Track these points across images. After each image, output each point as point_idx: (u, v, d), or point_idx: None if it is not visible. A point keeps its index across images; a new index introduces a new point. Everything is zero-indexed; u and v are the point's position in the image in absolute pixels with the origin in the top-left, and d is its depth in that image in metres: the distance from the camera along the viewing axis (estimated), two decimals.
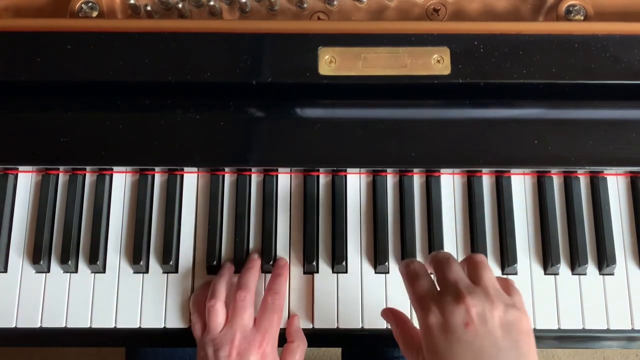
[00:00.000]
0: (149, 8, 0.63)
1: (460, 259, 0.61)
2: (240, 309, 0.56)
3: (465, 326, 0.43)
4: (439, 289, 0.47)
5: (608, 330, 0.60)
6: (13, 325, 0.60)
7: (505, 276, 0.61)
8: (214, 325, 0.56)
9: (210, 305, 0.56)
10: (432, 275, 0.49)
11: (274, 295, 0.58)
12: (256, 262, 0.60)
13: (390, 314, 0.55)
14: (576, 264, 0.61)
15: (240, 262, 0.61)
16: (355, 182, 0.63)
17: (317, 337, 0.60)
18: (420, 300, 0.46)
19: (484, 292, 0.45)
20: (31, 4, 0.64)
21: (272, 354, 0.55)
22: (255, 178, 0.63)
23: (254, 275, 0.59)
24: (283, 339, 0.59)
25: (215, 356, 0.54)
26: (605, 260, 0.61)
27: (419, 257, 0.61)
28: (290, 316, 0.60)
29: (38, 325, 0.60)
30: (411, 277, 0.49)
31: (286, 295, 0.60)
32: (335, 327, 0.60)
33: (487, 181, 0.63)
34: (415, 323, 0.49)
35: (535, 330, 0.60)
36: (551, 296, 0.60)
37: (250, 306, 0.57)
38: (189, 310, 0.60)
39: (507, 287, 0.47)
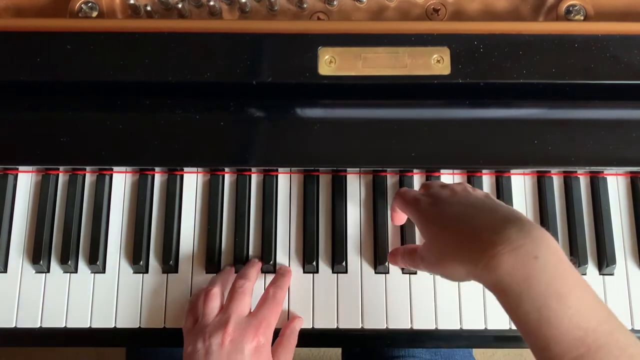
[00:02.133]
0: (149, 8, 0.63)
1: None
2: (239, 295, 0.55)
3: (452, 196, 0.50)
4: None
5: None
6: (13, 325, 0.60)
7: None
8: (209, 309, 0.55)
9: (208, 290, 0.56)
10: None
11: (276, 289, 0.57)
12: (257, 263, 0.60)
13: (394, 251, 0.58)
14: (576, 264, 0.61)
15: (240, 262, 0.61)
16: (355, 182, 0.63)
17: (317, 337, 0.60)
18: (412, 199, 0.53)
19: (461, 183, 0.53)
20: (31, 4, 0.64)
21: (266, 345, 0.54)
22: (255, 178, 0.63)
23: (255, 270, 0.59)
24: (275, 338, 0.58)
25: (206, 345, 0.52)
26: (605, 260, 0.61)
27: None
28: (294, 317, 0.60)
29: (38, 325, 0.60)
30: (402, 193, 0.55)
31: (286, 296, 0.60)
32: (335, 327, 0.60)
33: (487, 181, 0.63)
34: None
35: None
36: None
37: (249, 294, 0.56)
38: None
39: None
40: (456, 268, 0.46)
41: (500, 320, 0.60)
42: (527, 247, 0.42)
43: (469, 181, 0.63)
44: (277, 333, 0.58)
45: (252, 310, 0.56)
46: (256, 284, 0.59)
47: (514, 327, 0.60)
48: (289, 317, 0.60)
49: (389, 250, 0.61)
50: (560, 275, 0.41)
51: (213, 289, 0.56)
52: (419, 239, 0.62)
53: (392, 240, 0.62)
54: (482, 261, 0.43)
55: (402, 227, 0.62)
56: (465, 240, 0.45)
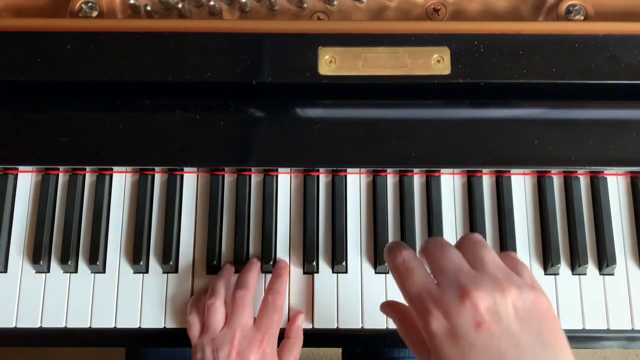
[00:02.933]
0: (149, 8, 0.63)
1: None
2: (240, 308, 0.56)
3: (476, 327, 0.36)
4: (435, 281, 0.39)
5: (608, 330, 0.60)
6: (13, 325, 0.60)
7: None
8: (213, 323, 0.55)
9: (210, 303, 0.56)
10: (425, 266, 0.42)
11: (274, 295, 0.58)
12: (256, 264, 0.60)
13: (389, 308, 0.48)
14: (576, 264, 0.61)
15: (240, 262, 0.61)
16: (355, 182, 0.63)
17: (317, 337, 0.60)
18: (416, 301, 0.38)
19: (490, 278, 0.37)
20: (31, 4, 0.64)
21: (271, 354, 0.55)
22: (255, 178, 0.63)
23: (253, 275, 0.59)
24: (281, 338, 0.59)
25: (214, 356, 0.54)
26: (605, 260, 0.61)
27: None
28: (294, 314, 0.60)
29: (38, 325, 0.60)
30: (401, 273, 0.40)
31: (286, 295, 0.60)
32: (335, 327, 0.60)
33: (487, 181, 0.63)
34: None
35: None
36: (551, 296, 0.60)
37: (250, 305, 0.57)
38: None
39: (513, 264, 0.40)
40: None
41: None
42: None
43: (469, 181, 0.63)
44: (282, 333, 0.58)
45: (255, 317, 0.57)
46: (257, 283, 0.59)
47: None
48: (289, 315, 0.60)
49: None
50: None
51: (215, 303, 0.56)
52: (419, 238, 0.62)
53: (393, 239, 0.62)
54: None
55: (402, 227, 0.62)
56: None
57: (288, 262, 0.61)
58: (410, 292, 0.39)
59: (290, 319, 0.59)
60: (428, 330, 0.37)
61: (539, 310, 0.37)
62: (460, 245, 0.41)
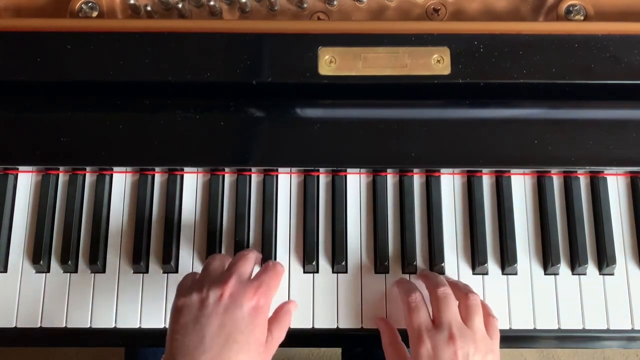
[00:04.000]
0: (149, 8, 0.63)
1: (460, 261, 0.61)
2: (242, 259, 0.54)
3: None
4: (434, 320, 0.53)
5: (608, 330, 0.60)
6: (13, 325, 0.60)
7: (505, 275, 0.61)
8: (211, 266, 0.53)
9: (212, 256, 0.55)
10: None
11: (275, 263, 0.56)
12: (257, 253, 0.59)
13: (383, 324, 0.58)
14: (576, 264, 0.61)
15: None
16: (355, 182, 0.63)
17: (317, 337, 0.60)
18: (416, 330, 0.52)
19: (472, 336, 0.52)
20: (31, 4, 0.64)
21: (264, 309, 0.51)
22: (255, 178, 0.63)
23: (255, 252, 0.58)
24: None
25: (203, 296, 0.49)
26: (605, 260, 0.61)
27: (419, 258, 0.61)
28: (288, 301, 0.58)
29: (38, 325, 0.60)
30: (411, 308, 0.54)
31: (285, 293, 0.60)
32: (335, 327, 0.60)
33: (487, 181, 0.63)
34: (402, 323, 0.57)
35: (535, 330, 0.60)
36: (551, 296, 0.60)
37: (252, 261, 0.55)
38: None
39: (490, 328, 0.54)
40: None
41: (500, 320, 0.59)
42: None
43: (469, 181, 0.63)
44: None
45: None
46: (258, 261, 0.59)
47: (514, 327, 0.60)
48: None
49: (389, 250, 0.61)
50: None
51: (217, 255, 0.56)
52: (419, 238, 0.62)
53: (393, 239, 0.62)
54: None
55: (402, 227, 0.62)
56: None
57: (288, 262, 0.61)
58: (413, 323, 0.53)
59: (283, 303, 0.58)
60: (417, 352, 0.51)
61: None
62: (459, 298, 0.55)
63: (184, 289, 0.52)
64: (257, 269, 0.60)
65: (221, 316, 0.49)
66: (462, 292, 0.55)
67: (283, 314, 0.56)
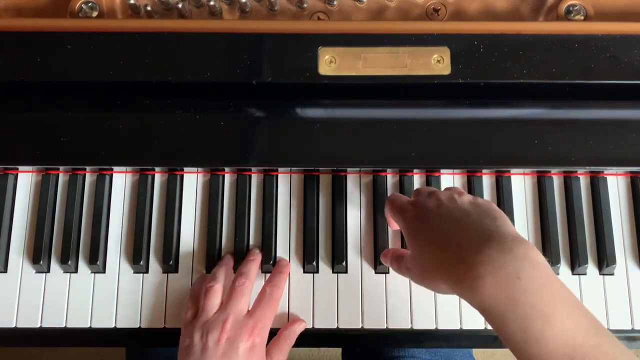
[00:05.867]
0: (149, 8, 0.63)
1: None
2: (238, 294, 0.56)
3: (437, 207, 0.49)
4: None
5: (608, 330, 0.60)
6: (13, 325, 0.60)
7: None
8: (209, 306, 0.55)
9: (209, 286, 0.56)
10: None
11: (272, 288, 0.58)
12: (257, 256, 0.60)
13: (384, 254, 0.59)
14: (576, 264, 0.61)
15: (240, 262, 0.61)
16: (355, 182, 0.63)
17: (317, 337, 0.60)
18: (398, 209, 0.53)
19: (455, 190, 0.52)
20: (31, 4, 0.64)
21: (260, 345, 0.55)
22: (255, 178, 0.63)
23: (255, 265, 0.59)
24: (271, 337, 0.58)
25: (203, 341, 0.53)
26: (605, 260, 0.61)
27: None
28: (295, 318, 0.59)
29: (38, 325, 0.60)
30: (391, 200, 0.55)
31: (285, 293, 0.60)
32: (335, 327, 0.60)
33: (487, 181, 0.63)
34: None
35: None
36: None
37: (248, 293, 0.57)
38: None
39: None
40: (439, 284, 0.47)
41: None
42: (508, 267, 0.41)
43: (469, 181, 0.63)
44: (275, 332, 0.58)
45: (249, 308, 0.57)
46: (256, 281, 0.59)
47: None
48: (289, 318, 0.60)
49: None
50: (545, 295, 0.41)
51: (215, 286, 0.56)
52: None
53: (392, 239, 0.62)
54: (465, 282, 0.43)
55: None
56: (447, 259, 0.45)
57: (288, 262, 0.61)
58: (395, 205, 0.54)
59: (291, 321, 0.59)
60: (405, 221, 0.51)
61: (490, 206, 0.49)
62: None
63: (187, 328, 0.56)
64: (255, 266, 0.60)
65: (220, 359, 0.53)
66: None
67: (284, 337, 0.58)
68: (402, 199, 0.54)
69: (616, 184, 0.63)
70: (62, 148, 0.59)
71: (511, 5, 0.65)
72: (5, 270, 0.61)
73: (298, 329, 0.59)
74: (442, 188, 0.62)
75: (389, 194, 0.63)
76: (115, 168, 0.63)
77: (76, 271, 0.61)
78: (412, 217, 0.51)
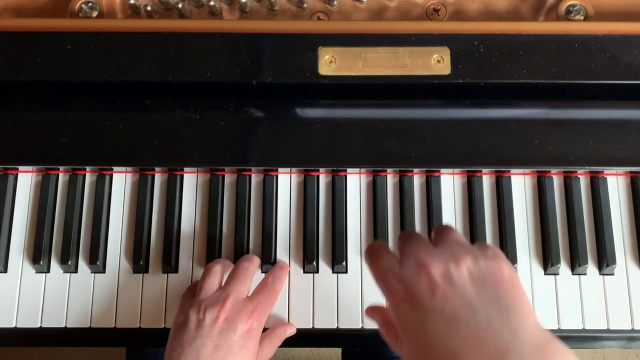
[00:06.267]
0: (149, 8, 0.63)
1: None
2: (240, 276, 0.55)
3: (431, 293, 0.38)
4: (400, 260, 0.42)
5: (608, 330, 0.60)
6: (13, 325, 0.60)
7: None
8: (208, 284, 0.54)
9: (210, 266, 0.56)
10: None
11: (275, 279, 0.57)
12: (256, 257, 0.60)
13: (371, 311, 0.52)
14: (576, 264, 0.61)
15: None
16: (355, 182, 0.63)
17: (317, 337, 0.60)
18: (382, 279, 0.42)
19: (447, 251, 0.40)
20: (31, 4, 0.64)
21: (257, 331, 0.53)
22: (255, 178, 0.63)
23: (257, 260, 0.59)
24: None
25: (200, 317, 0.52)
26: (605, 260, 0.61)
27: None
28: (289, 323, 0.59)
29: (38, 325, 0.60)
30: (371, 257, 0.43)
31: (285, 293, 0.60)
32: (335, 327, 0.60)
33: (487, 181, 0.63)
34: None
35: None
36: (551, 296, 0.60)
37: (250, 277, 0.56)
38: None
39: (479, 244, 0.42)
40: None
41: None
42: None
43: (469, 181, 0.63)
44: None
45: (249, 295, 0.56)
46: (255, 278, 0.59)
47: None
48: (289, 318, 0.60)
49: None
50: None
51: (215, 266, 0.56)
52: None
53: (393, 239, 0.62)
54: None
55: (402, 227, 0.62)
56: None
57: (288, 262, 0.61)
58: (378, 271, 0.42)
59: (284, 322, 0.59)
60: (393, 302, 0.40)
61: (497, 276, 0.38)
62: (432, 233, 0.45)
63: (184, 305, 0.54)
64: (258, 269, 0.60)
65: (216, 338, 0.51)
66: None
67: (277, 334, 0.57)
68: (385, 262, 0.42)
69: (616, 184, 0.63)
70: (62, 148, 0.59)
71: (511, 5, 0.65)
72: (5, 270, 0.61)
73: (289, 331, 0.59)
74: (442, 188, 0.62)
75: (389, 194, 0.63)
76: (115, 168, 0.63)
77: (76, 271, 0.61)
78: (401, 298, 0.39)
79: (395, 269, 0.41)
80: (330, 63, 0.58)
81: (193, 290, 0.58)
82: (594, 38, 0.58)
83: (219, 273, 0.56)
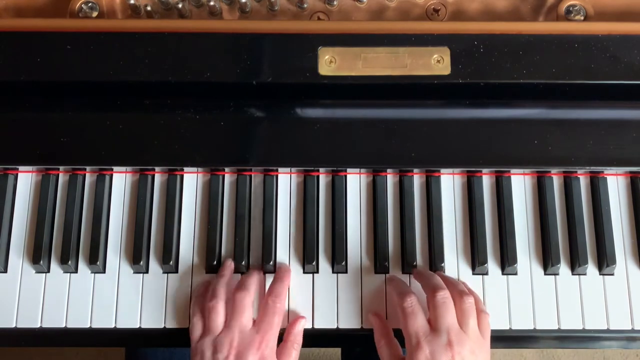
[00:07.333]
0: (149, 8, 0.63)
1: (460, 261, 0.61)
2: (240, 309, 0.56)
3: None
4: (431, 325, 0.54)
5: (608, 330, 0.60)
6: (13, 325, 0.60)
7: (504, 275, 0.61)
8: (214, 325, 0.56)
9: (211, 306, 0.56)
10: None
11: (274, 298, 0.58)
12: (257, 271, 0.60)
13: (375, 319, 0.59)
14: (576, 264, 0.61)
15: (240, 263, 0.61)
16: (355, 182, 0.63)
17: (317, 337, 0.60)
18: (413, 336, 0.53)
19: (468, 340, 0.53)
20: (31, 4, 0.64)
21: (270, 356, 0.55)
22: (255, 178, 0.63)
23: (254, 279, 0.59)
24: (280, 339, 0.58)
25: (213, 358, 0.54)
26: (605, 260, 0.61)
27: (419, 258, 0.61)
28: (295, 318, 0.59)
29: (38, 325, 0.60)
30: (407, 314, 0.55)
31: (286, 299, 0.60)
32: (335, 327, 0.60)
33: (487, 181, 0.63)
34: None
35: (535, 330, 0.60)
36: (551, 296, 0.60)
37: (249, 307, 0.57)
38: (189, 310, 0.60)
39: (482, 326, 0.56)
40: None
41: (500, 320, 0.60)
42: None
43: (469, 181, 0.63)
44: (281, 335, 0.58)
45: (255, 319, 0.57)
46: (257, 287, 0.59)
47: (514, 327, 0.60)
48: (289, 317, 0.60)
49: (389, 250, 0.61)
50: None
51: (216, 305, 0.56)
52: (419, 238, 0.62)
53: (392, 239, 0.62)
54: None
55: (402, 227, 0.62)
56: None
57: (288, 262, 0.61)
58: (410, 329, 0.54)
59: (291, 322, 0.59)
60: (415, 358, 0.52)
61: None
62: (454, 299, 0.55)
63: (197, 345, 0.56)
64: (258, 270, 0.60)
65: None
66: (457, 293, 0.56)
67: (291, 342, 0.58)
68: (419, 323, 0.54)
69: (616, 184, 0.63)
70: (62, 148, 0.59)
71: (511, 5, 0.65)
72: (5, 270, 0.61)
73: (301, 327, 0.59)
74: (442, 188, 0.62)
75: (389, 194, 0.63)
76: (115, 168, 0.63)
77: (76, 271, 0.61)
78: (422, 354, 0.52)
79: (428, 334, 0.53)
80: (330, 63, 0.58)
81: (205, 292, 0.58)
82: (594, 38, 0.58)
83: (221, 311, 0.56)
